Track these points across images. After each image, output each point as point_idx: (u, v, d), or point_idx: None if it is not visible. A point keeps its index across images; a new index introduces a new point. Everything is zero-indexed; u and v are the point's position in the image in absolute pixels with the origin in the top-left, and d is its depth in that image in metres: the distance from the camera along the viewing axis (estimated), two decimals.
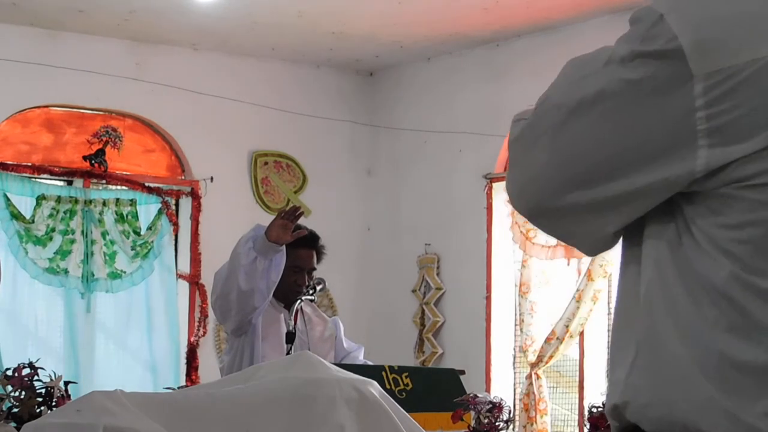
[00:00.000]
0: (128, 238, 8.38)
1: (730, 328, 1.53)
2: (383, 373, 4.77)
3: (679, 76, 1.53)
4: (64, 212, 8.18)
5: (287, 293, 5.20)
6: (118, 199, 8.41)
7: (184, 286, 8.67)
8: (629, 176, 1.58)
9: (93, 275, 8.22)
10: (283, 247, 5.03)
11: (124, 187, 8.49)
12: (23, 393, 3.83)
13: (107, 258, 8.30)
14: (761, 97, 1.52)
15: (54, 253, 8.11)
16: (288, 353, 5.02)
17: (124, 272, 8.35)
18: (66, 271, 8.13)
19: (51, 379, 3.90)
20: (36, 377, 3.87)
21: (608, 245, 1.72)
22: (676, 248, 1.59)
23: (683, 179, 1.56)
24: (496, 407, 4.72)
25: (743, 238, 1.54)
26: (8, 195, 8.02)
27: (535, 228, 7.98)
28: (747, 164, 1.53)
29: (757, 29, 1.53)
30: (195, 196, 8.77)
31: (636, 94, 1.56)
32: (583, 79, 1.61)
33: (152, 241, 8.47)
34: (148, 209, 8.53)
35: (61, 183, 8.36)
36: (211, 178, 8.82)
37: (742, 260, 1.54)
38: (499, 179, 8.52)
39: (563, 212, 1.65)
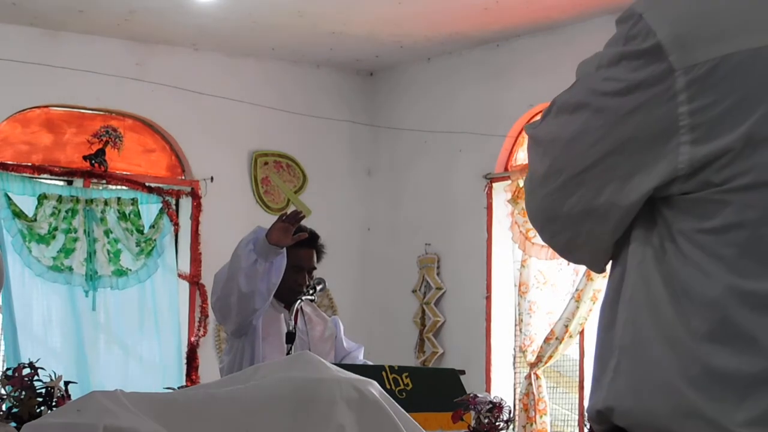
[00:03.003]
0: (132, 236, 8.39)
1: (712, 337, 1.53)
2: (383, 373, 4.77)
3: (661, 72, 1.56)
4: (66, 211, 8.19)
5: (288, 293, 5.20)
6: (119, 198, 8.42)
7: (184, 286, 8.67)
8: (619, 177, 1.60)
9: (96, 273, 8.23)
10: (284, 249, 5.03)
11: (124, 187, 8.50)
12: (23, 393, 3.83)
13: (111, 256, 8.30)
14: (736, 93, 1.53)
15: (58, 251, 8.12)
16: (288, 353, 5.02)
17: (130, 270, 8.36)
18: (70, 269, 8.15)
19: (51, 379, 3.90)
20: (36, 377, 3.87)
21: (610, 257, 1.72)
22: (660, 254, 1.59)
23: (667, 177, 1.57)
24: (496, 407, 4.72)
25: (728, 242, 1.54)
26: (9, 195, 8.02)
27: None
28: (727, 167, 1.54)
29: (730, 24, 1.55)
30: (195, 196, 8.77)
31: (622, 95, 1.58)
32: (578, 83, 1.65)
33: (155, 239, 8.48)
34: (149, 208, 8.54)
35: (61, 183, 8.37)
36: (211, 178, 8.82)
37: (727, 265, 1.53)
38: (498, 179, 8.53)
39: (563, 221, 1.68)
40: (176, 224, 8.66)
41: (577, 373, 8.09)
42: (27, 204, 8.08)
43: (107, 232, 8.32)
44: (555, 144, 1.65)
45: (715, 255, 1.54)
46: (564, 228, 1.69)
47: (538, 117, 7.06)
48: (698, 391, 1.53)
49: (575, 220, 1.66)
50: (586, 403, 6.90)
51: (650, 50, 1.56)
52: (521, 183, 8.18)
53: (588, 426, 4.94)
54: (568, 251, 1.76)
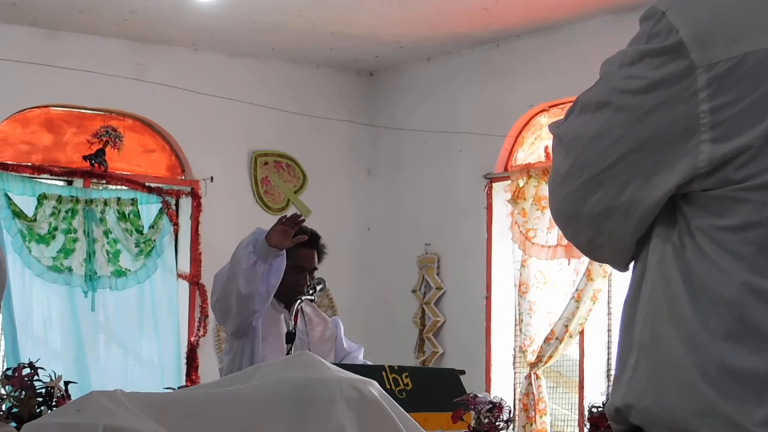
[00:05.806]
0: (131, 236, 8.39)
1: (729, 336, 1.53)
2: (383, 373, 4.77)
3: (683, 69, 1.56)
4: (66, 211, 8.18)
5: (288, 293, 5.20)
6: (119, 198, 8.42)
7: (184, 286, 8.67)
8: (641, 175, 1.60)
9: (96, 273, 8.23)
10: (284, 251, 5.03)
11: (124, 187, 8.49)
12: (23, 393, 3.84)
13: (111, 256, 8.30)
14: (756, 91, 1.53)
15: (57, 251, 8.12)
16: (288, 353, 5.02)
17: (129, 270, 8.36)
18: (70, 269, 8.15)
19: (51, 379, 3.90)
20: (36, 377, 3.87)
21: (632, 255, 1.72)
22: (679, 251, 1.60)
23: (687, 175, 1.57)
24: (496, 407, 4.73)
25: (746, 240, 1.54)
26: (9, 195, 8.02)
27: (535, 228, 8.05)
28: (746, 164, 1.54)
29: (751, 23, 1.56)
30: (195, 196, 8.77)
31: (643, 93, 1.59)
32: (600, 81, 1.65)
33: (155, 240, 8.48)
34: (149, 209, 8.54)
35: (61, 183, 8.36)
36: (211, 178, 8.82)
37: (745, 263, 1.54)
38: (498, 179, 8.52)
39: (584, 219, 1.68)
40: (176, 224, 8.65)
41: (577, 373, 8.08)
42: (27, 204, 8.08)
43: (107, 233, 8.32)
44: (577, 143, 1.65)
45: (733, 253, 1.54)
46: (586, 226, 1.69)
47: (537, 117, 7.10)
48: (716, 389, 1.53)
49: (597, 218, 1.66)
50: (586, 403, 6.91)
51: (672, 47, 1.57)
52: (521, 183, 8.18)
53: (588, 426, 4.94)
54: (590, 250, 1.75)
